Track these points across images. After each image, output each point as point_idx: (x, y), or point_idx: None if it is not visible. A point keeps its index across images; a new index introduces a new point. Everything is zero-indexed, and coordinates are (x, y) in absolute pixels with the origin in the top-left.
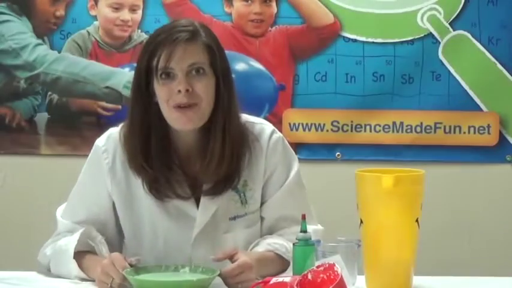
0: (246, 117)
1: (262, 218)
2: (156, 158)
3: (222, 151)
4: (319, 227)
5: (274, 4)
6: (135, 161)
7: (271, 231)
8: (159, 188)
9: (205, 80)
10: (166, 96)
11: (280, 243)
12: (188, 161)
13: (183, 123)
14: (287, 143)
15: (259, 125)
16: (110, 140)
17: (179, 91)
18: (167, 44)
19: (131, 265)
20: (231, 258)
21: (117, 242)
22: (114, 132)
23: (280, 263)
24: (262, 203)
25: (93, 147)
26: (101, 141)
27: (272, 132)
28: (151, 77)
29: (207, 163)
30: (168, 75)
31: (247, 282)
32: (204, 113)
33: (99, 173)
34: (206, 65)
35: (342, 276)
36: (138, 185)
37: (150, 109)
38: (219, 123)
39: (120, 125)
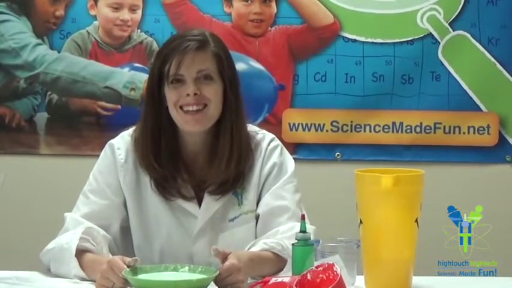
0: (250, 126)
1: (257, 216)
2: (165, 159)
3: (230, 153)
4: (311, 226)
5: (274, 4)
6: (146, 159)
7: (266, 225)
8: (165, 186)
9: (213, 85)
10: (175, 99)
11: (276, 242)
12: (195, 163)
13: (191, 125)
14: (285, 150)
15: (261, 134)
16: (122, 139)
17: (188, 94)
18: (178, 52)
19: (129, 266)
20: (223, 260)
21: (119, 240)
22: (126, 135)
23: (277, 262)
24: (257, 202)
25: (107, 145)
26: (114, 140)
27: (271, 140)
28: (163, 82)
29: (216, 164)
30: (178, 80)
31: (236, 284)
32: (212, 116)
33: (113, 167)
34: (214, 72)
35: (341, 276)
36: (146, 183)
37: (161, 113)
38: (227, 127)
39: (132, 128)
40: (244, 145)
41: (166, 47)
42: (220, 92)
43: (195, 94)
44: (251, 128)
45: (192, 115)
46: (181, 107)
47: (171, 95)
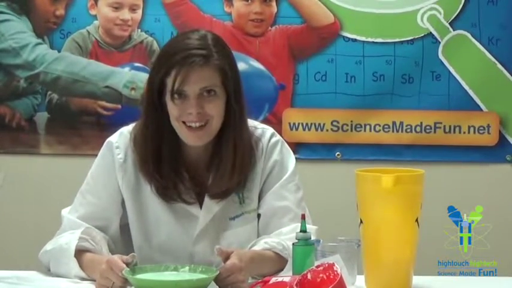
0: (249, 121)
1: (258, 215)
2: (166, 165)
3: (233, 165)
4: (313, 226)
5: (274, 4)
6: (146, 168)
7: (267, 225)
8: (166, 193)
9: (216, 100)
10: (177, 114)
11: (277, 241)
12: (196, 168)
13: (193, 141)
14: (286, 145)
15: (261, 129)
16: (122, 137)
17: (190, 113)
18: (182, 68)
19: (128, 264)
20: (226, 259)
21: (118, 240)
22: (126, 132)
23: (278, 261)
24: (259, 201)
25: (105, 143)
26: (113, 138)
27: (272, 135)
28: (164, 91)
29: (219, 176)
30: (180, 95)
31: (237, 284)
32: (214, 131)
33: (111, 167)
34: (218, 86)
35: (341, 276)
36: (146, 183)
37: (162, 119)
38: (230, 139)
39: (131, 125)
40: (247, 151)
41: (169, 58)
42: (222, 105)
43: (198, 113)
44: (250, 123)
45: (193, 131)
46: (183, 122)
47: (173, 109)
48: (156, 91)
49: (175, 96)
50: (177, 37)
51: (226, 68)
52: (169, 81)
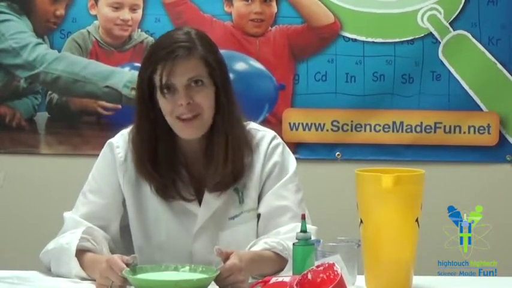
0: (252, 124)
1: (258, 216)
2: (163, 164)
3: (225, 155)
4: (312, 226)
5: (274, 4)
6: (144, 168)
7: (267, 225)
8: (165, 191)
9: (205, 90)
10: (169, 109)
11: (277, 241)
12: (193, 163)
13: (187, 134)
14: (287, 148)
15: (262, 132)
16: (122, 138)
17: (181, 104)
18: (167, 61)
19: (128, 264)
20: (225, 259)
21: (119, 241)
22: (125, 133)
23: (278, 261)
24: (258, 201)
25: (106, 144)
26: (114, 139)
27: (273, 138)
28: (154, 88)
29: (213, 168)
30: (169, 89)
31: (237, 284)
32: (207, 122)
33: (112, 165)
34: (205, 77)
35: (341, 276)
36: (145, 183)
37: (155, 117)
38: (221, 130)
39: (130, 127)
40: (240, 144)
41: (154, 54)
42: (211, 96)
43: (188, 103)
44: (252, 125)
45: (186, 123)
46: (177, 117)
47: (164, 104)
48: (146, 90)
49: (165, 90)
50: (162, 36)
51: (210, 59)
52: (157, 77)
